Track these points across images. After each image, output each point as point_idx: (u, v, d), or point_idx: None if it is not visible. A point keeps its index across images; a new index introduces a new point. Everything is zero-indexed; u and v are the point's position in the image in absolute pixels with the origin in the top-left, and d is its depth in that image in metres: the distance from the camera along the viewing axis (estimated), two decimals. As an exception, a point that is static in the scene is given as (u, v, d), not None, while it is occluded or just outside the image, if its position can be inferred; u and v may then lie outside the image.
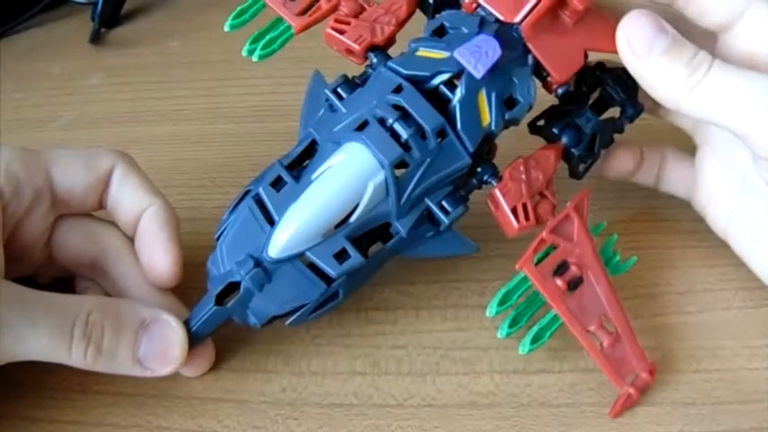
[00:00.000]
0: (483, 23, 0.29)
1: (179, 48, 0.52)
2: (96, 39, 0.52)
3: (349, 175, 0.27)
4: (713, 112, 0.28)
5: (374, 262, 0.29)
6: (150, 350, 0.27)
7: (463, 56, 0.28)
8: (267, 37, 0.32)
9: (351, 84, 0.30)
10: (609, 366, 0.28)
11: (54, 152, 0.30)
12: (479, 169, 0.29)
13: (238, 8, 0.32)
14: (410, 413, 0.29)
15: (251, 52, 0.32)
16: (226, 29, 0.32)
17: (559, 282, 0.28)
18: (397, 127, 0.27)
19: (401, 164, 0.28)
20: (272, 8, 0.32)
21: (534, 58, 0.29)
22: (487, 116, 0.29)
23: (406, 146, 0.27)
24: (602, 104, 0.33)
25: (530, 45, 0.29)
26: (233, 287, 0.28)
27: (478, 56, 0.28)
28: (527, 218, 0.29)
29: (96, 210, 0.31)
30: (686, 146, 0.35)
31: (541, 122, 0.32)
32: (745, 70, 0.28)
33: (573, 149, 0.31)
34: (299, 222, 0.27)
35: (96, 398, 0.29)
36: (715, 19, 0.29)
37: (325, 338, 0.31)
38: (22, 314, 0.25)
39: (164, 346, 0.27)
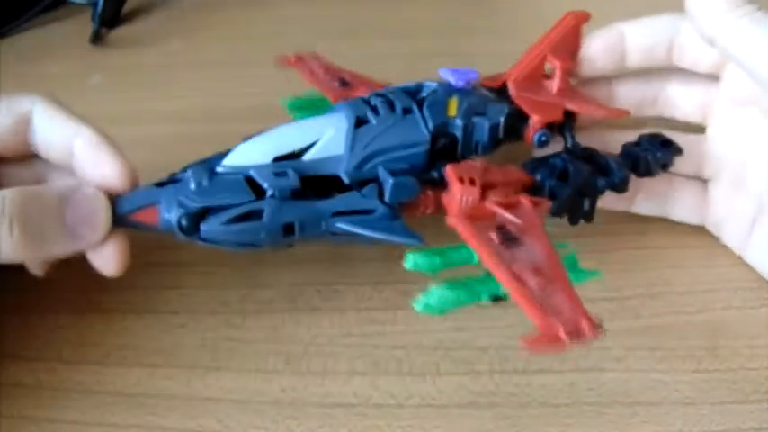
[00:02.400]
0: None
1: (179, 48, 0.52)
2: (96, 39, 0.52)
3: (316, 120, 0.31)
4: (741, 51, 0.29)
5: (310, 209, 0.29)
6: (76, 217, 0.28)
7: (445, 73, 0.32)
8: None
9: None
10: (536, 307, 0.23)
11: None
12: (440, 164, 0.31)
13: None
14: (410, 413, 0.29)
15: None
16: (283, 106, 0.37)
17: (493, 235, 0.26)
18: (372, 99, 0.31)
19: (365, 121, 0.30)
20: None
21: (516, 107, 0.33)
22: (455, 111, 0.31)
23: (374, 109, 0.31)
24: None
25: (514, 98, 0.33)
26: (176, 182, 0.29)
27: (459, 75, 0.32)
28: (472, 184, 0.28)
29: (23, 154, 0.31)
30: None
31: None
32: None
33: (544, 181, 0.30)
34: (255, 141, 0.30)
35: (96, 398, 0.29)
36: (709, 63, 0.32)
37: (325, 338, 0.31)
38: None
39: (88, 211, 0.28)
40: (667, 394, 0.29)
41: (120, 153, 0.30)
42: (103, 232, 0.28)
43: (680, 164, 0.34)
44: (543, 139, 0.32)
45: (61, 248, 0.28)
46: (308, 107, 0.37)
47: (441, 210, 0.30)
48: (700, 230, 0.35)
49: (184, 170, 0.29)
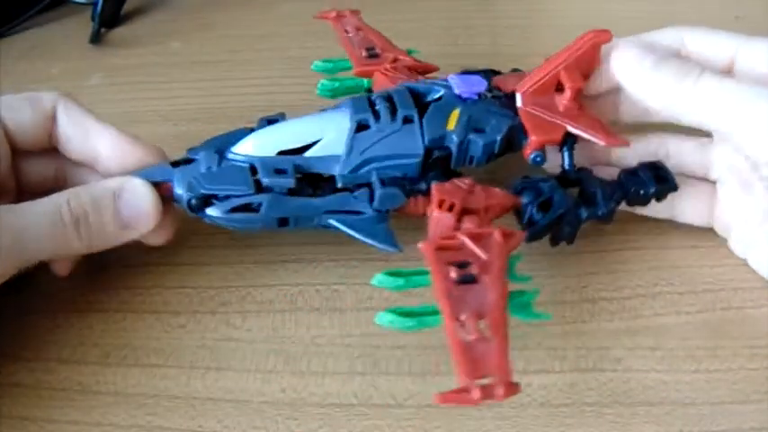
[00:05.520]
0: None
1: (179, 48, 0.52)
2: (96, 39, 0.52)
3: (322, 118, 0.33)
4: (706, 118, 0.30)
5: (304, 205, 0.31)
6: (130, 211, 0.30)
7: (454, 80, 0.33)
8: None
9: None
10: (462, 355, 0.24)
11: (1, 97, 0.32)
12: (431, 176, 0.32)
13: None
14: (410, 413, 0.29)
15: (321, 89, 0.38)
16: (312, 68, 0.39)
17: (452, 272, 0.26)
18: (378, 101, 0.32)
19: (366, 127, 0.32)
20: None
21: (519, 121, 0.33)
22: (453, 125, 0.32)
23: (376, 114, 0.32)
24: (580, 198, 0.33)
25: (519, 111, 0.33)
26: (189, 162, 0.32)
27: (465, 83, 0.33)
28: (450, 210, 0.29)
29: (45, 148, 0.32)
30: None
31: None
32: (731, 78, 0.30)
33: (527, 204, 0.31)
34: (264, 133, 0.32)
35: (96, 398, 0.29)
36: (717, 69, 0.32)
37: (325, 338, 0.31)
38: (23, 222, 0.28)
39: (139, 203, 0.30)
40: (667, 394, 0.29)
41: (145, 142, 0.32)
42: (155, 222, 0.31)
43: (688, 167, 0.34)
44: (538, 159, 0.33)
45: (117, 240, 0.31)
46: (333, 71, 0.39)
47: (427, 211, 0.31)
48: (700, 230, 0.35)
49: (200, 149, 0.32)
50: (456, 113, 0.32)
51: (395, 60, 0.38)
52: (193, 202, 0.31)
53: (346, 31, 0.40)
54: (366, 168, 0.32)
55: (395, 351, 0.31)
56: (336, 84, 0.38)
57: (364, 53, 0.38)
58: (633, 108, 0.34)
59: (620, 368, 0.30)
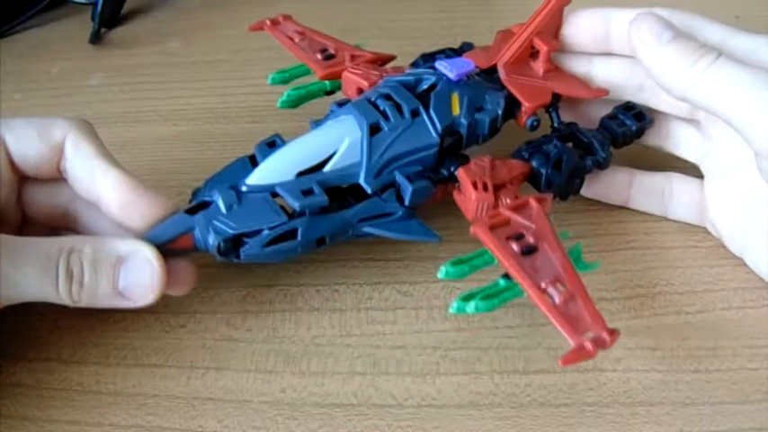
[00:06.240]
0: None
1: (179, 48, 0.52)
2: (96, 39, 0.52)
3: (331, 130, 0.32)
4: (715, 102, 0.29)
5: (338, 220, 0.30)
6: (129, 282, 0.28)
7: (442, 65, 0.34)
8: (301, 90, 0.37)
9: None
10: (562, 319, 0.26)
11: (9, 121, 0.30)
12: (448, 161, 0.32)
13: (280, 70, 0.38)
14: (410, 413, 0.29)
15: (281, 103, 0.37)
16: (269, 81, 0.38)
17: (514, 245, 0.28)
18: (379, 102, 0.32)
19: (378, 128, 0.31)
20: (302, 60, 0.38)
21: (508, 92, 0.34)
22: (458, 109, 0.33)
23: (384, 114, 0.32)
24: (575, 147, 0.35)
25: (504, 82, 0.34)
26: (206, 206, 0.29)
27: (455, 66, 0.33)
28: (486, 189, 0.30)
29: (56, 178, 0.30)
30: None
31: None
32: (750, 66, 0.29)
33: (540, 168, 0.32)
34: (276, 158, 0.31)
35: (96, 398, 0.29)
36: None
37: (325, 338, 0.31)
38: (11, 260, 0.26)
39: (141, 277, 0.28)
40: (667, 394, 0.29)
41: (152, 192, 0.29)
42: (154, 299, 0.28)
43: (678, 150, 0.35)
44: (535, 124, 0.34)
45: (109, 305, 0.28)
46: (290, 80, 0.38)
47: (445, 197, 0.33)
48: (700, 230, 0.35)
49: (207, 189, 0.31)
50: (456, 97, 0.33)
51: (353, 57, 0.37)
52: (223, 246, 0.28)
53: (290, 39, 0.39)
54: (388, 169, 0.31)
55: (395, 351, 0.31)
56: (302, 91, 0.37)
57: (319, 56, 0.38)
58: (605, 82, 0.35)
59: (620, 368, 0.30)
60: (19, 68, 0.50)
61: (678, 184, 0.35)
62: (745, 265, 0.33)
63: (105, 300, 0.28)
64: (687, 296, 0.33)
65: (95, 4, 0.52)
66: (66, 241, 0.27)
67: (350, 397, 0.29)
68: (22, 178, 0.30)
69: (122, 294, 0.28)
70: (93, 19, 0.52)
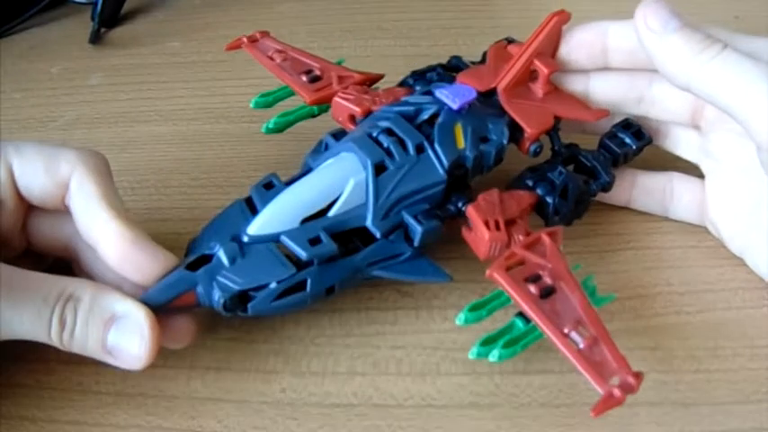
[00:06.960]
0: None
1: (179, 48, 0.52)
2: (96, 39, 0.52)
3: (333, 170, 0.30)
4: (719, 92, 0.29)
5: (347, 267, 0.29)
6: (117, 344, 0.27)
7: (443, 94, 0.32)
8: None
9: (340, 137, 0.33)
10: (588, 366, 0.25)
11: (20, 145, 0.29)
12: (454, 197, 0.31)
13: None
14: (410, 413, 0.29)
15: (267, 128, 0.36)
16: (251, 105, 0.37)
17: (532, 288, 0.27)
18: (381, 137, 0.31)
19: (382, 167, 0.30)
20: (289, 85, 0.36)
21: (510, 117, 0.33)
22: (462, 142, 0.32)
23: (388, 152, 0.30)
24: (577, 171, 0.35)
25: (505, 107, 0.33)
26: (207, 260, 0.28)
27: (456, 95, 0.32)
28: (498, 228, 0.29)
29: (61, 210, 0.29)
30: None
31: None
32: (755, 60, 0.29)
33: (547, 197, 0.32)
34: (278, 204, 0.29)
35: (96, 398, 0.29)
36: None
37: (325, 338, 0.31)
38: (9, 301, 0.26)
39: (130, 344, 0.27)
40: (667, 394, 0.29)
41: (153, 247, 0.28)
42: (142, 367, 0.27)
43: (678, 151, 0.36)
44: (538, 150, 0.33)
45: (98, 358, 0.27)
46: (273, 103, 0.37)
47: (451, 233, 0.31)
48: (700, 230, 0.35)
49: (206, 240, 0.29)
50: (459, 128, 0.32)
51: (341, 79, 0.36)
52: (229, 303, 0.27)
53: (271, 58, 0.38)
54: (395, 210, 0.30)
55: (395, 351, 0.31)
56: (290, 117, 0.36)
57: (304, 78, 0.36)
58: (605, 97, 0.35)
59: (620, 368, 0.30)
60: (19, 68, 0.49)
61: (679, 183, 0.35)
62: (746, 265, 0.33)
63: (94, 353, 0.27)
64: (687, 296, 0.33)
65: (95, 4, 0.52)
66: (67, 286, 0.27)
67: (350, 397, 0.29)
68: (29, 206, 0.30)
69: (110, 353, 0.27)
70: (92, 19, 0.52)
